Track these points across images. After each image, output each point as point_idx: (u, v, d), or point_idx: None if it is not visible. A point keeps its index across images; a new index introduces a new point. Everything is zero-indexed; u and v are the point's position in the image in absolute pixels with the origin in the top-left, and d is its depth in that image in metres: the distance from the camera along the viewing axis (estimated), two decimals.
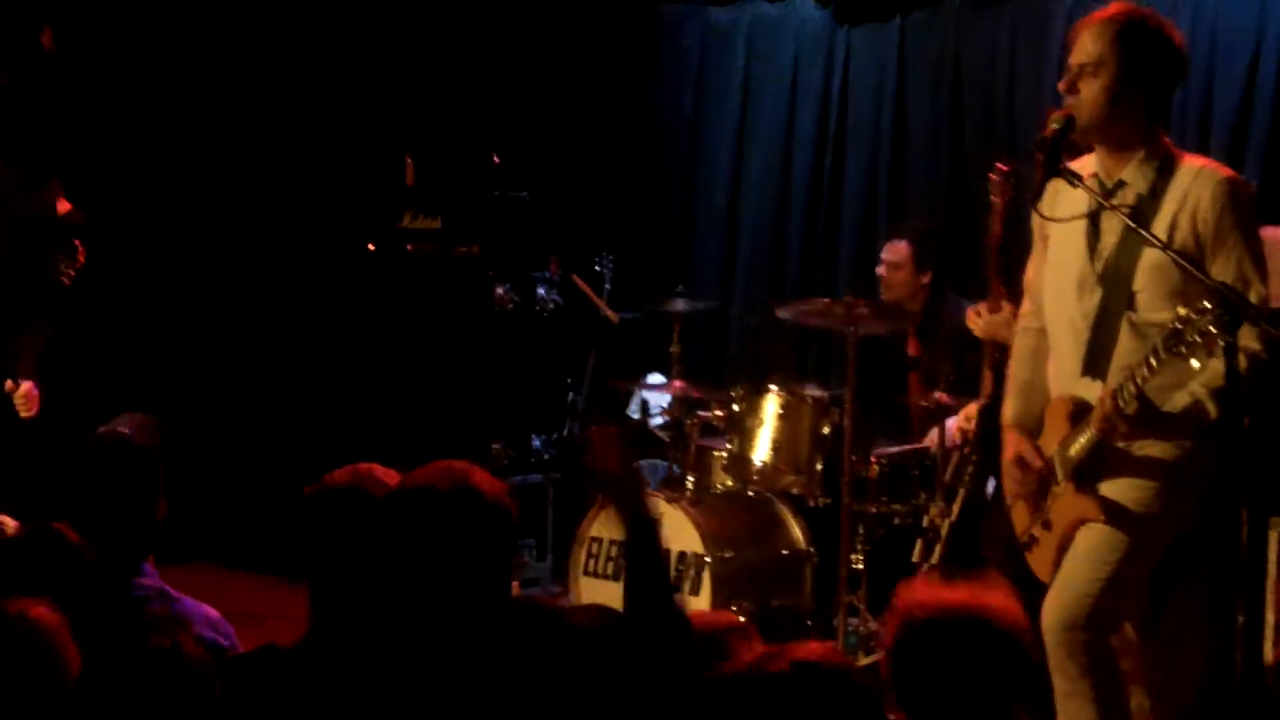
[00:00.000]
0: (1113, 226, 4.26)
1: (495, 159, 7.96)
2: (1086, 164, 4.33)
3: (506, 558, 3.23)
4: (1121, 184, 4.28)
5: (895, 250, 6.98)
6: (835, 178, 8.16)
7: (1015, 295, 5.01)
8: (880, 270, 7.01)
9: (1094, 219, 4.31)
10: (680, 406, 7.06)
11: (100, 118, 8.06)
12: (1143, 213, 4.19)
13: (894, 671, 2.93)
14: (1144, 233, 4.06)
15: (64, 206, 6.30)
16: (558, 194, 8.45)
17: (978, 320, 5.53)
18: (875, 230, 7.83)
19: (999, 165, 5.56)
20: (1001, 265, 5.47)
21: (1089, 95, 4.24)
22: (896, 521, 6.59)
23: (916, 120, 7.93)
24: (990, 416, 5.29)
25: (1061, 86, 4.30)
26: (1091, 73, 4.23)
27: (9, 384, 5.73)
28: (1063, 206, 4.35)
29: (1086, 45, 4.25)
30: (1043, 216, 4.36)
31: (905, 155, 7.94)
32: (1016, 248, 5.16)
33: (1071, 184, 4.26)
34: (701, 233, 8.59)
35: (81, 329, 6.61)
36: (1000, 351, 5.32)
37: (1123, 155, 4.29)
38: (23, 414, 5.75)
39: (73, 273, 5.77)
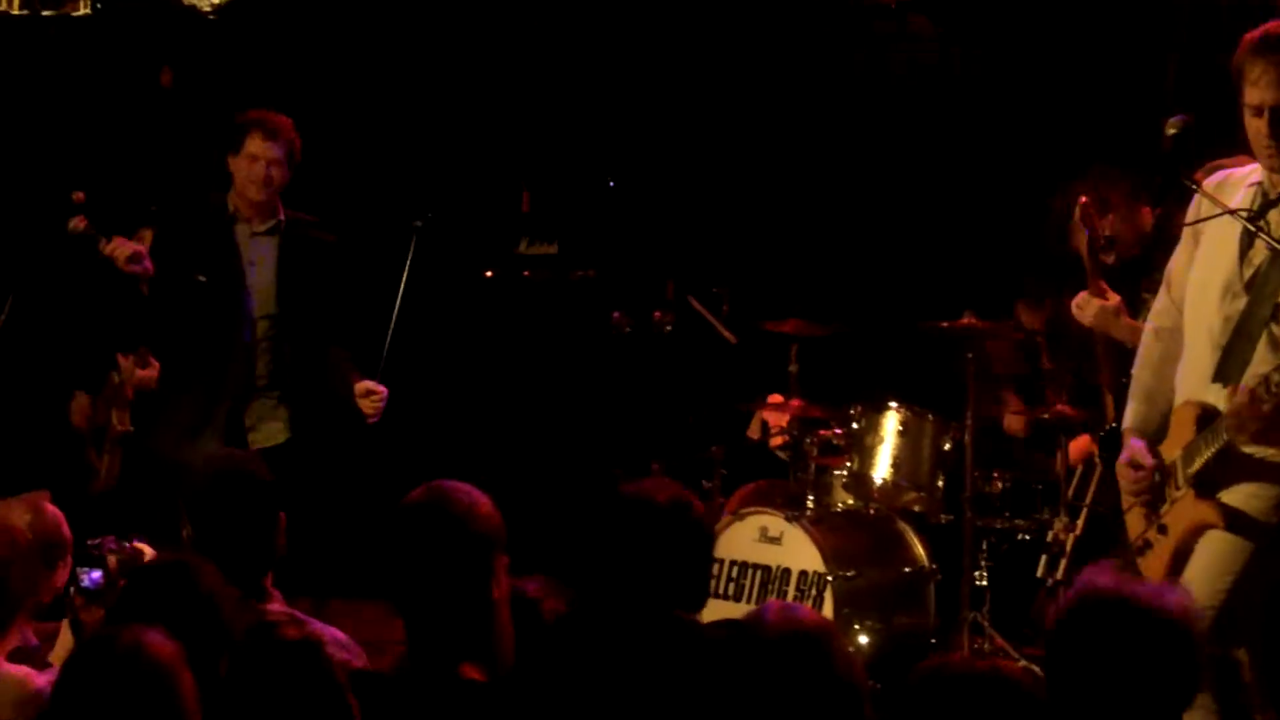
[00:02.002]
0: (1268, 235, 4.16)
1: (611, 183, 7.98)
2: (1251, 173, 4.24)
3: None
4: None
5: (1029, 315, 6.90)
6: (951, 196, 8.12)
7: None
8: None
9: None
10: (799, 425, 7.04)
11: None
12: None
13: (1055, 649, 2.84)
14: (1268, 239, 4.00)
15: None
16: (676, 216, 8.45)
17: (1084, 312, 5.15)
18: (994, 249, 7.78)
19: (1081, 199, 5.41)
20: (1097, 270, 5.30)
21: None
22: (1020, 537, 6.54)
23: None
24: (1114, 443, 5.17)
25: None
26: None
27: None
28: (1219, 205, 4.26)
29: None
30: (1184, 223, 4.31)
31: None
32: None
33: (1189, 188, 4.21)
34: (821, 251, 8.58)
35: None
36: (1125, 376, 5.21)
37: None
38: (372, 415, 5.78)
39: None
